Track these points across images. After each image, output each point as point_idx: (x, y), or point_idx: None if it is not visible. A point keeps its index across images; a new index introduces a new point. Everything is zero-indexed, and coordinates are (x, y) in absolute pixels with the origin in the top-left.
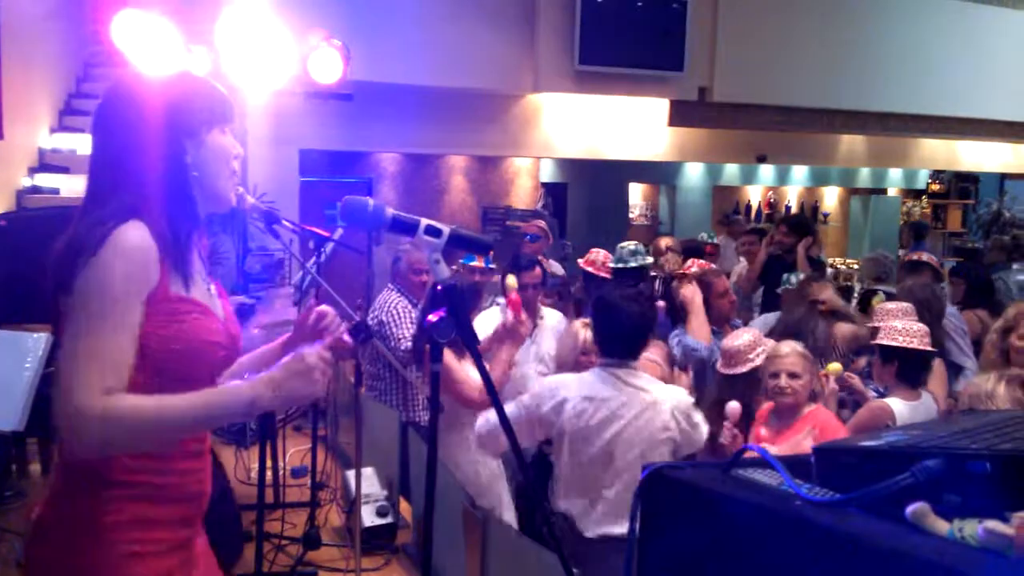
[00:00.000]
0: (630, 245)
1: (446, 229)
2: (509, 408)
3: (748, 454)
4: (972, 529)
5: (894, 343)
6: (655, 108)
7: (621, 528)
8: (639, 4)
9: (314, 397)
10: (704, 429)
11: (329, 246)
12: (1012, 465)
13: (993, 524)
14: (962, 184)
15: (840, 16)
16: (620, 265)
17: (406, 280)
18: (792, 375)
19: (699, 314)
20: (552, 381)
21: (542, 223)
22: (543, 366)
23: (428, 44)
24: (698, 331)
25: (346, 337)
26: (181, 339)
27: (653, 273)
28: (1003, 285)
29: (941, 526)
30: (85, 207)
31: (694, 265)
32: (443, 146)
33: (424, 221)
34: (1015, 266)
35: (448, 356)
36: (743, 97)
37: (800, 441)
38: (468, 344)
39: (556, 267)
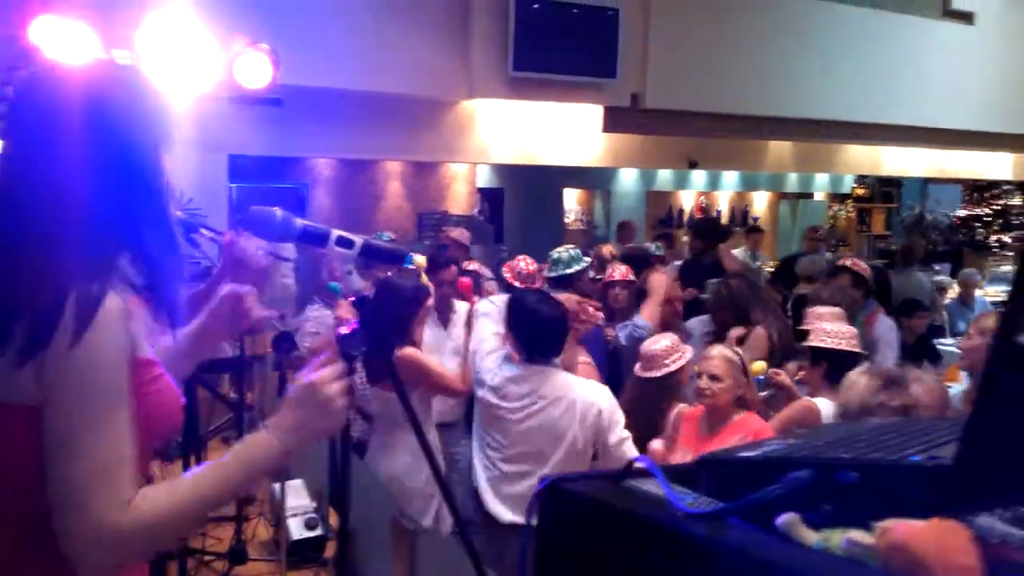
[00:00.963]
0: (568, 250)
1: (358, 240)
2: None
3: (637, 465)
4: (837, 539)
5: (822, 344)
6: (589, 114)
7: None
8: (573, 11)
9: (339, 428)
10: (620, 434)
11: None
12: (878, 474)
13: (856, 534)
14: (885, 188)
15: (770, 25)
16: (556, 273)
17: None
18: (713, 377)
19: (657, 302)
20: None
21: (454, 233)
22: (459, 358)
23: (360, 49)
24: (649, 315)
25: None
26: (152, 412)
27: (596, 276)
28: (912, 286)
29: (809, 536)
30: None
31: (629, 273)
32: (377, 152)
33: (335, 232)
34: (935, 267)
35: (416, 353)
36: (675, 104)
37: None
38: (383, 357)
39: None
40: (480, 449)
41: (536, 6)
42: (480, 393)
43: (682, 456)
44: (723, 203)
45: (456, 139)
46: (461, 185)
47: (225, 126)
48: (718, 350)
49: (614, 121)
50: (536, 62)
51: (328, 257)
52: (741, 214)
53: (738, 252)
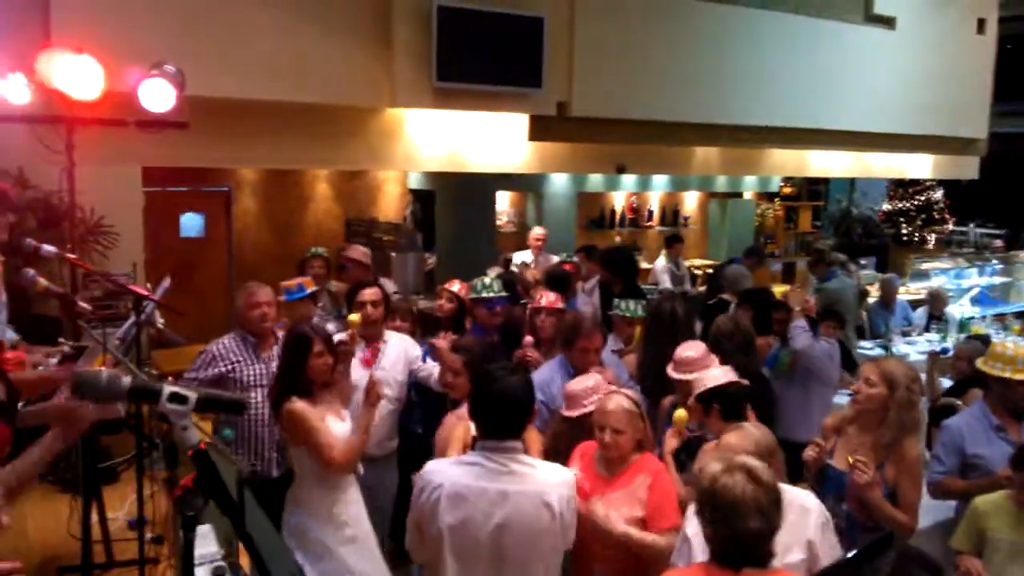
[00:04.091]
0: (490, 281)
1: (192, 395)
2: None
3: None
4: None
5: (708, 386)
6: (516, 121)
7: None
8: (496, 22)
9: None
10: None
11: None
12: None
13: None
14: (812, 187)
15: (694, 33)
16: (477, 295)
17: (244, 318)
18: (616, 431)
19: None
20: (429, 467)
21: (354, 253)
22: (389, 390)
23: (279, 60)
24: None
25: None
26: None
27: (525, 301)
28: (837, 294)
29: None
30: None
31: (558, 301)
32: (301, 162)
33: (168, 389)
34: (862, 261)
35: (310, 412)
36: (600, 112)
37: (635, 490)
38: (228, 513)
39: (388, 285)
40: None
41: (458, 17)
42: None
43: (585, 496)
44: (654, 203)
45: (382, 147)
46: (392, 187)
47: (136, 139)
48: (615, 402)
49: (540, 129)
50: (460, 72)
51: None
52: (672, 213)
53: (661, 261)
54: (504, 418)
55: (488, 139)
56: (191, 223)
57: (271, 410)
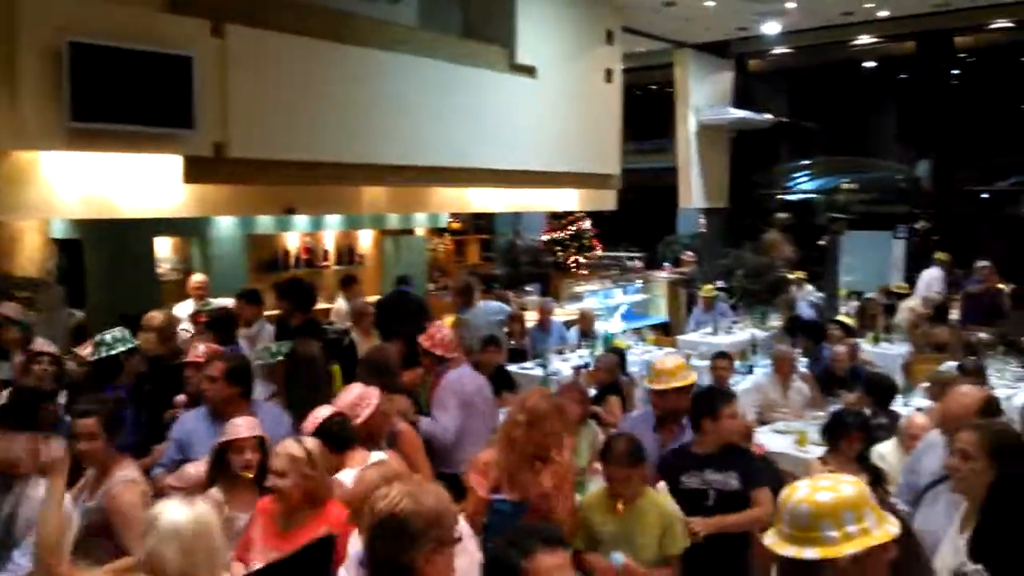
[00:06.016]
0: (115, 332)
1: None
2: None
3: None
4: None
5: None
6: (169, 163)
7: None
8: (139, 59)
9: None
10: None
11: None
12: None
13: None
14: (478, 221)
15: (346, 76)
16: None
17: None
18: (279, 474)
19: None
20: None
21: (6, 310)
22: None
23: None
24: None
25: None
26: None
27: (187, 359)
28: (466, 321)
29: None
30: None
31: (205, 353)
32: None
33: None
34: (527, 288)
35: None
36: (262, 153)
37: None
38: None
39: (45, 345)
40: None
41: (94, 54)
42: None
43: (261, 555)
44: (329, 242)
45: (11, 193)
46: (33, 237)
47: None
48: (283, 446)
49: (197, 171)
50: (99, 112)
51: None
52: (348, 252)
53: (340, 301)
54: None
55: (138, 182)
56: None
57: None
